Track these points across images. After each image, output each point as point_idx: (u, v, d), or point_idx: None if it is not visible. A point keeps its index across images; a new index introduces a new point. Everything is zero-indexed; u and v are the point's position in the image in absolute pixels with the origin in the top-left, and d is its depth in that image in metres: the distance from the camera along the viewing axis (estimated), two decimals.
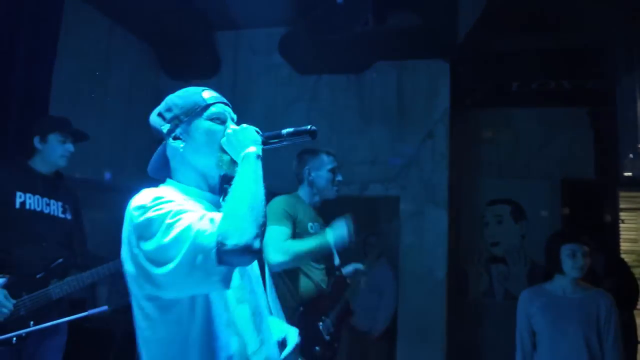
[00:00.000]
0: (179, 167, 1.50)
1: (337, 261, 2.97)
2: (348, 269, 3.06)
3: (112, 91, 4.56)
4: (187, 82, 4.97)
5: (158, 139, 1.51)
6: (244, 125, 1.49)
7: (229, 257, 1.23)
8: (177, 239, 1.24)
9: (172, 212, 1.29)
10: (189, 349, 1.34)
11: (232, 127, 1.49)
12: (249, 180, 1.34)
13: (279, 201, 2.75)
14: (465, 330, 5.33)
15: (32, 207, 2.71)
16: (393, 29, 4.38)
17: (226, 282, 1.27)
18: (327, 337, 2.72)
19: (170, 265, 1.24)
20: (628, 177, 5.16)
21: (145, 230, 1.28)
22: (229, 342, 1.37)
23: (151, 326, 1.36)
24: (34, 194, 2.73)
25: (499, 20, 4.27)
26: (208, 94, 1.51)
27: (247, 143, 1.42)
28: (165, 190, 1.41)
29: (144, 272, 1.28)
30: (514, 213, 5.67)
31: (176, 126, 1.46)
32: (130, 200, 1.36)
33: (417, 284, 4.74)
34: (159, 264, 1.26)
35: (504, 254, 5.66)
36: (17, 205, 2.66)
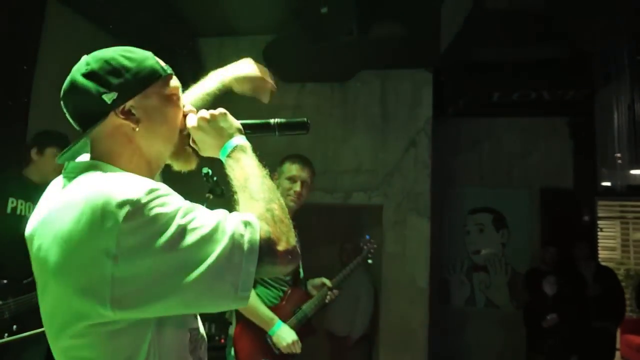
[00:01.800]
0: (121, 151, 1.09)
1: (301, 274, 2.87)
2: (315, 282, 2.88)
3: None
4: None
5: (83, 111, 1.08)
6: (222, 109, 1.19)
7: (274, 263, 1.00)
8: (204, 242, 0.94)
9: (182, 208, 0.96)
10: None
11: (210, 111, 1.18)
12: (264, 176, 1.12)
13: None
14: (447, 337, 5.36)
15: (23, 213, 2.79)
16: (377, 38, 4.42)
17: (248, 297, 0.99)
18: (277, 351, 2.56)
19: (193, 274, 0.92)
20: (606, 186, 5.26)
21: (146, 234, 0.92)
22: None
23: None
24: (26, 200, 2.81)
25: (481, 32, 4.34)
26: (162, 62, 1.17)
27: (231, 132, 1.16)
28: (144, 179, 1.02)
29: (128, 287, 0.91)
30: (495, 222, 5.74)
31: (127, 98, 1.07)
32: (87, 193, 0.95)
33: (400, 292, 4.75)
34: (170, 274, 0.92)
35: (485, 262, 5.72)
36: (9, 210, 2.75)
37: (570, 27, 4.32)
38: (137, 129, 1.08)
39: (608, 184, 5.21)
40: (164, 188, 0.99)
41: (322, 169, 4.96)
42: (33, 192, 2.81)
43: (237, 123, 1.20)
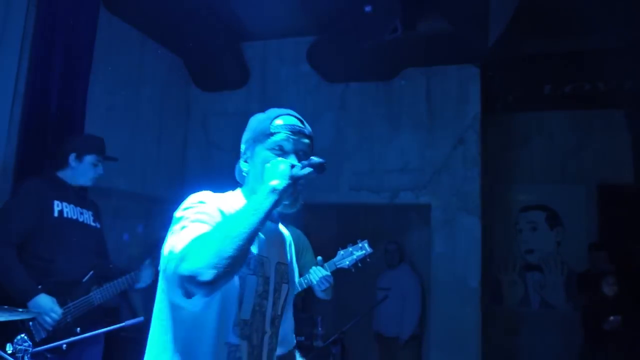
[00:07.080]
0: (245, 185, 1.53)
1: None
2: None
3: (145, 103, 4.65)
4: (216, 93, 5.06)
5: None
6: (278, 158, 1.42)
7: (182, 280, 1.21)
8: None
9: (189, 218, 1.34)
10: None
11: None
12: (247, 211, 1.28)
13: None
14: (500, 339, 5.22)
15: (69, 216, 2.78)
16: (422, 35, 4.35)
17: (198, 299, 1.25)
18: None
19: None
20: None
21: None
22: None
23: None
24: (68, 203, 2.80)
25: (530, 23, 4.19)
26: (280, 121, 1.46)
27: (272, 178, 1.36)
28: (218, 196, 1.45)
29: None
30: (548, 219, 5.54)
31: (246, 149, 1.50)
32: None
33: (450, 293, 4.66)
34: None
35: (540, 262, 5.53)
36: (56, 214, 2.72)
37: (625, 14, 4.12)
38: (247, 172, 1.53)
39: None
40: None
41: (368, 169, 4.93)
42: (70, 194, 2.83)
43: (283, 170, 1.36)
